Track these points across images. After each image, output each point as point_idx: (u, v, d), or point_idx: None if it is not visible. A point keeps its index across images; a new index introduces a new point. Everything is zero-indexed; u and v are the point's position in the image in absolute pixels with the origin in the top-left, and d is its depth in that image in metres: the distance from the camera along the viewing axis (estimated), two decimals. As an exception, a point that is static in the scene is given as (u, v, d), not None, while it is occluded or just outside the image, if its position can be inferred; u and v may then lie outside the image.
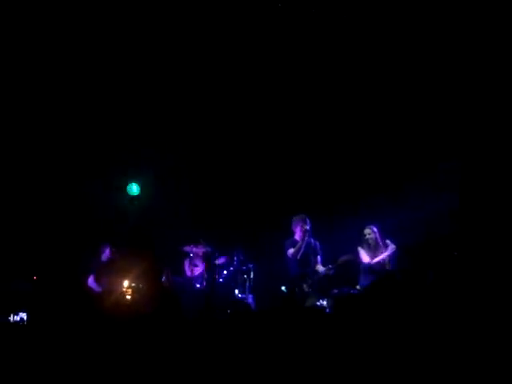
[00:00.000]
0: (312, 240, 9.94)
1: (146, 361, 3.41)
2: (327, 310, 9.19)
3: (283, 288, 9.99)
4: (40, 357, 3.43)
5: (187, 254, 11.17)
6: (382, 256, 9.87)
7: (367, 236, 9.97)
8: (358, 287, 9.85)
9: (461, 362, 2.58)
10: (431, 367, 2.75)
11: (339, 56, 10.78)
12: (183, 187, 12.25)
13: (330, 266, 9.98)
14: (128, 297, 9.52)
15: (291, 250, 9.82)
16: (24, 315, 7.53)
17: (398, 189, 11.70)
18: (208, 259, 11.07)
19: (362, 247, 9.97)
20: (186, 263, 11.21)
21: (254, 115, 11.81)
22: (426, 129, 11.44)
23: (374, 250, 9.93)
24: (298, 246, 9.80)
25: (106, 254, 10.72)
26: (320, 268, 9.96)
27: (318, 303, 9.59)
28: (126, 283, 10.33)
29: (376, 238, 9.94)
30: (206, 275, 11.00)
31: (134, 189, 11.31)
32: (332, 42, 10.54)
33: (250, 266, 11.11)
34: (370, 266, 9.89)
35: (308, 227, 9.87)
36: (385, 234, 10.13)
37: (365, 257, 9.91)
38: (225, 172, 12.35)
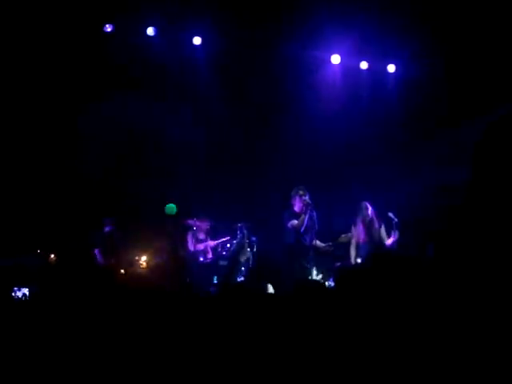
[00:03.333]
0: (314, 213, 9.94)
1: (156, 338, 3.45)
2: (330, 284, 9.30)
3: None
4: (43, 334, 3.45)
5: (190, 228, 11.23)
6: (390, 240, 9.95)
7: (363, 212, 10.05)
8: (358, 260, 9.95)
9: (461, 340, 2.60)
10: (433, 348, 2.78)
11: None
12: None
13: (330, 243, 10.07)
14: (140, 270, 9.60)
15: (294, 222, 9.75)
16: (26, 290, 7.56)
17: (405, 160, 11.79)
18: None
19: (356, 224, 10.05)
20: (189, 237, 11.25)
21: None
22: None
23: (368, 226, 10.01)
24: (301, 218, 9.71)
25: (109, 227, 10.81)
26: (319, 243, 10.00)
27: (317, 278, 9.72)
28: (143, 257, 10.48)
29: (371, 214, 10.02)
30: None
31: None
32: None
33: (254, 239, 11.19)
34: (367, 242, 10.01)
35: (309, 200, 9.87)
36: (388, 207, 10.22)
37: (356, 236, 10.02)
38: (226, 149, 12.38)
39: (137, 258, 10.82)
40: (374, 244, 9.99)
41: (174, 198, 11.35)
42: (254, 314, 3.50)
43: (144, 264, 10.37)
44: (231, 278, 9.81)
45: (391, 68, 12.43)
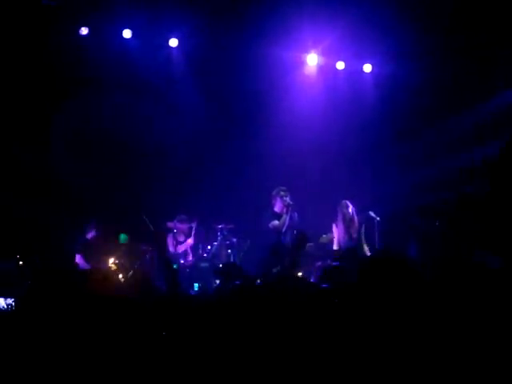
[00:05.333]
0: (296, 214, 9.97)
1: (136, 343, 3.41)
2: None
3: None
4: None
5: (170, 230, 11.20)
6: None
7: (343, 210, 10.13)
8: (339, 260, 10.03)
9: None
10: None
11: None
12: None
13: (311, 243, 10.15)
14: (119, 275, 9.50)
15: (275, 223, 9.79)
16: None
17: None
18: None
19: (337, 223, 10.13)
20: (170, 239, 11.23)
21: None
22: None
23: (348, 225, 10.09)
24: (282, 219, 9.77)
25: (91, 232, 10.73)
26: None
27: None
28: (111, 260, 10.41)
29: (351, 213, 10.10)
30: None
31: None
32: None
33: (234, 240, 11.21)
34: (347, 241, 10.09)
35: (290, 201, 9.89)
36: (370, 205, 10.33)
37: (336, 234, 10.12)
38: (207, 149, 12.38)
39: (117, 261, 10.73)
40: (354, 243, 10.09)
41: (155, 200, 11.34)
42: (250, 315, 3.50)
43: (113, 266, 10.31)
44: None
45: (367, 68, 12.49)
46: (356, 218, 10.14)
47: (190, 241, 11.16)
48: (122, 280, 8.89)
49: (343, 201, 10.20)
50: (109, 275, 8.41)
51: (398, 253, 3.29)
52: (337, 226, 10.16)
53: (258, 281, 7.79)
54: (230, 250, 11.17)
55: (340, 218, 10.13)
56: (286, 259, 9.53)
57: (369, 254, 10.12)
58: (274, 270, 9.47)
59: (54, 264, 9.63)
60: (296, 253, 9.60)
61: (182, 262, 10.99)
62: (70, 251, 10.60)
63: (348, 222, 10.10)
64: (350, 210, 10.11)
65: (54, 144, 11.33)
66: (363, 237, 10.19)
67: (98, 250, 10.55)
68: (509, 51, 10.77)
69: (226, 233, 11.18)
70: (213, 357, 3.16)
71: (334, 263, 9.92)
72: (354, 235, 10.10)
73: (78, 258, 10.55)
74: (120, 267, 10.32)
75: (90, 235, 10.75)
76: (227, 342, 3.24)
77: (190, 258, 11.15)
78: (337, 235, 10.14)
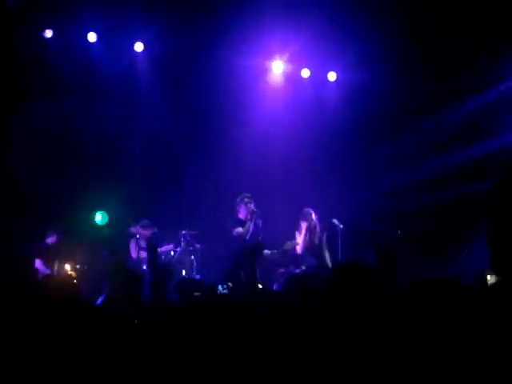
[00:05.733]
0: (260, 221, 10.00)
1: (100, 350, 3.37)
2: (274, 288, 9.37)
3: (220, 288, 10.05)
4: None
5: (133, 235, 11.09)
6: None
7: (307, 218, 10.23)
8: (302, 267, 10.10)
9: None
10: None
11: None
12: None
13: (275, 250, 10.22)
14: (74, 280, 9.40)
15: (240, 230, 9.81)
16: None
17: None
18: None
19: (300, 230, 10.21)
20: (132, 245, 11.11)
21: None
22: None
23: (311, 232, 10.19)
24: (247, 226, 9.81)
25: (52, 237, 10.59)
26: (264, 251, 10.11)
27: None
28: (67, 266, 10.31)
29: (315, 222, 10.20)
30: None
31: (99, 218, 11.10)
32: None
33: (197, 246, 11.17)
34: (309, 248, 10.18)
35: (254, 208, 9.92)
36: (333, 212, 10.42)
37: (300, 241, 10.18)
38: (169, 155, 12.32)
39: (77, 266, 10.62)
40: (316, 250, 10.19)
41: (117, 206, 11.24)
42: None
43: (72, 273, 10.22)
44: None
45: (332, 76, 12.57)
46: (318, 225, 10.26)
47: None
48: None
49: (306, 209, 10.31)
50: (66, 282, 8.32)
51: (361, 264, 3.34)
52: (300, 233, 10.24)
53: (220, 288, 7.79)
54: (193, 257, 11.12)
55: (303, 225, 10.22)
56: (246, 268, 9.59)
57: (329, 261, 10.22)
58: (239, 278, 9.52)
59: (11, 271, 9.46)
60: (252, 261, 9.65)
61: (144, 267, 10.88)
62: (29, 257, 10.45)
63: (311, 230, 10.22)
64: (314, 218, 10.22)
65: (12, 147, 11.14)
66: (324, 245, 10.29)
67: (57, 255, 10.44)
68: (475, 54, 10.91)
69: (189, 238, 11.12)
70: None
71: (297, 270, 10.03)
72: (316, 242, 10.21)
73: (38, 263, 10.41)
74: (78, 273, 10.24)
75: (50, 240, 10.61)
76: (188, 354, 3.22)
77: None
78: (300, 242, 10.22)
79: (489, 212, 2.18)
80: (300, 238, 10.25)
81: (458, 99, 11.54)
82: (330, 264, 10.20)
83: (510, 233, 2.14)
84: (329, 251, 10.32)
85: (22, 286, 3.83)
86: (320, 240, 10.27)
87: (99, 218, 11.36)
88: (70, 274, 10.12)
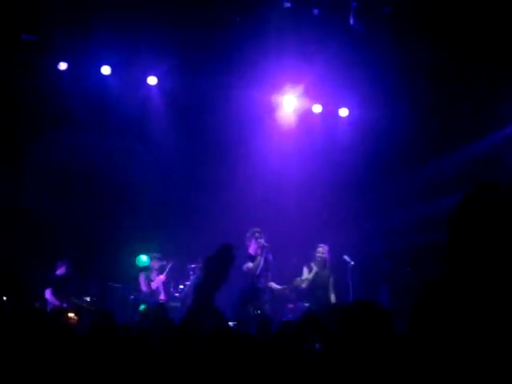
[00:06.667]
0: (270, 255, 9.96)
1: None
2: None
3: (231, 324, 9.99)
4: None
5: (143, 268, 11.08)
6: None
7: (319, 254, 10.19)
8: (306, 304, 10.05)
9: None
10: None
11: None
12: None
13: (285, 285, 10.18)
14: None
15: (250, 265, 9.75)
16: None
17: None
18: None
19: (308, 266, 10.18)
20: (142, 278, 11.09)
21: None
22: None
23: (320, 269, 10.15)
24: (257, 261, 9.74)
25: (62, 269, 10.58)
26: (274, 286, 10.05)
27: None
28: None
29: (325, 258, 10.17)
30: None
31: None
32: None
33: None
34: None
35: (265, 243, 9.88)
36: (344, 249, 10.38)
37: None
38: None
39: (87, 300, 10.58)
40: (322, 288, 10.14)
41: (128, 238, 11.26)
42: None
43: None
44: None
45: (344, 112, 12.61)
46: (328, 263, 10.22)
47: (162, 277, 11.04)
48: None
49: (321, 245, 10.27)
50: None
51: (372, 304, 3.33)
52: (308, 267, 10.19)
53: (231, 324, 7.74)
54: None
55: (315, 261, 10.19)
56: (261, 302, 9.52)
57: (334, 300, 10.13)
58: (253, 313, 9.43)
59: (22, 302, 9.45)
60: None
61: (161, 297, 10.87)
62: (38, 288, 10.43)
63: (320, 266, 10.17)
64: (325, 255, 10.19)
65: (26, 179, 11.21)
66: (331, 286, 10.23)
67: (66, 286, 10.42)
68: (490, 95, 10.92)
69: (198, 272, 11.08)
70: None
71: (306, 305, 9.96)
72: (325, 281, 10.16)
73: (48, 294, 10.38)
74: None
75: (59, 271, 10.60)
76: None
77: (162, 296, 11.01)
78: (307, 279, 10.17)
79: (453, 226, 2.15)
80: (307, 274, 10.21)
81: (471, 138, 11.54)
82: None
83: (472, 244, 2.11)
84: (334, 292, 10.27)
85: (31, 315, 3.84)
86: (328, 280, 10.23)
87: (145, 259, 11.36)
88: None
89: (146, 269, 11.02)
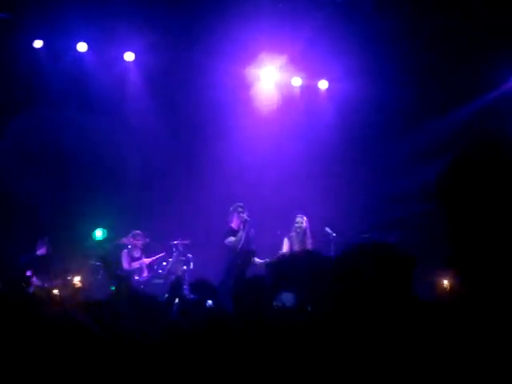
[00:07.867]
0: (252, 230, 9.94)
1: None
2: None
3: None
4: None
5: (125, 246, 11.04)
6: None
7: (298, 224, 10.16)
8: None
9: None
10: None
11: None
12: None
13: (267, 259, 10.12)
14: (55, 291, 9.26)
15: (231, 239, 9.77)
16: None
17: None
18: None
19: (289, 237, 10.14)
20: (125, 255, 11.04)
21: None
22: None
23: (301, 240, 10.11)
24: (238, 235, 9.75)
25: (43, 249, 10.51)
26: (256, 260, 10.02)
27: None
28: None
29: (305, 228, 10.13)
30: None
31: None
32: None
33: (189, 256, 11.10)
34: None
35: (247, 217, 9.87)
36: (326, 222, 10.36)
37: (290, 246, 10.13)
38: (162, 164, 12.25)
39: (69, 278, 10.52)
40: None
41: (109, 216, 11.19)
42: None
43: (79, 283, 10.10)
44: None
45: (323, 84, 12.54)
46: (309, 233, 10.17)
47: (147, 261, 11.00)
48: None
49: (299, 215, 10.25)
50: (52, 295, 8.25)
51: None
52: (289, 239, 10.14)
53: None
54: (185, 267, 11.05)
55: (294, 232, 10.15)
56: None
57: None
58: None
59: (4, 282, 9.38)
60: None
61: (136, 278, 10.82)
62: (19, 268, 10.36)
63: (301, 237, 10.13)
64: (304, 226, 10.14)
65: (2, 158, 11.08)
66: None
67: (48, 266, 10.36)
68: (468, 62, 10.89)
69: (181, 249, 11.06)
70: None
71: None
72: (309, 247, 10.11)
73: (30, 275, 10.31)
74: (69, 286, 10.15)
75: (40, 251, 10.52)
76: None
77: (145, 274, 10.98)
78: (287, 247, 10.13)
79: (444, 199, 1.79)
80: (287, 245, 10.16)
81: (451, 107, 11.52)
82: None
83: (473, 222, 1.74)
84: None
85: (17, 297, 3.80)
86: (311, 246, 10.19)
87: (99, 234, 11.31)
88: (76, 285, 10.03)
89: (126, 246, 10.95)
